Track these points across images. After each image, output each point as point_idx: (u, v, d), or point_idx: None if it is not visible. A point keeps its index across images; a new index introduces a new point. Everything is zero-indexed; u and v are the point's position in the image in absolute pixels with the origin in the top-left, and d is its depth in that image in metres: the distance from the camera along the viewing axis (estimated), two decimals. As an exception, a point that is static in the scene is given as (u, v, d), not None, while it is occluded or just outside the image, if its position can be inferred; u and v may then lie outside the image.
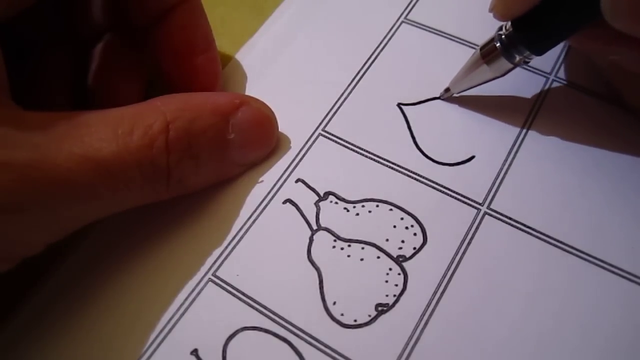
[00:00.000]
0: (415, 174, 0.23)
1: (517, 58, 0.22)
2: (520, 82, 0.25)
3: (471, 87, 0.24)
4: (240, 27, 0.29)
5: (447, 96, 0.25)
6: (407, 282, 0.21)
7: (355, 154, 0.24)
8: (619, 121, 0.24)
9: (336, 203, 0.23)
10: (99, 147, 0.19)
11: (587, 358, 0.20)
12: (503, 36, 0.22)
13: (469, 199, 0.23)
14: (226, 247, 0.22)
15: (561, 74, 0.25)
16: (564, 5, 0.21)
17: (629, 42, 0.20)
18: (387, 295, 0.21)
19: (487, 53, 0.23)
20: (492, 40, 0.23)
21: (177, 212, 0.23)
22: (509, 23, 0.22)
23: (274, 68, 0.27)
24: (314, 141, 0.24)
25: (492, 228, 0.22)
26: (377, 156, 0.24)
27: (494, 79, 0.23)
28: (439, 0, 0.28)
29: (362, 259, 0.22)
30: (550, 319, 0.20)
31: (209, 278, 0.22)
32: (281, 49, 0.27)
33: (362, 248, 0.22)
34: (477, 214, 0.22)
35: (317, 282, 0.21)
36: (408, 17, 0.28)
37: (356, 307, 0.21)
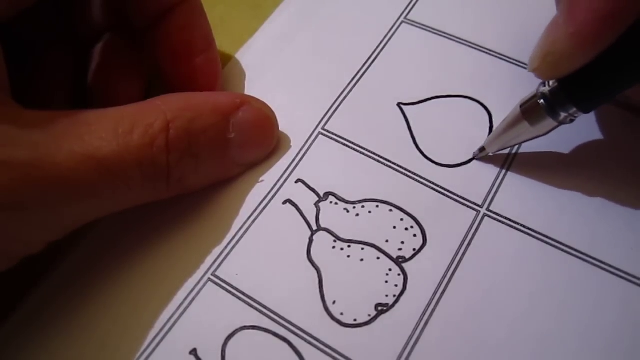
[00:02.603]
0: (415, 174, 0.23)
1: (563, 116, 0.20)
2: (518, 83, 0.25)
3: (509, 147, 0.23)
4: (240, 27, 0.29)
5: (482, 156, 0.23)
6: (407, 282, 0.21)
7: (356, 153, 0.24)
8: (618, 122, 0.24)
9: (336, 204, 0.23)
10: (99, 145, 0.19)
11: (587, 359, 0.20)
12: (547, 92, 0.21)
13: (468, 200, 0.23)
14: (226, 247, 0.22)
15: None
16: (618, 64, 0.19)
17: None
18: (387, 296, 0.21)
19: (529, 110, 0.21)
20: (533, 96, 0.21)
21: (177, 212, 0.23)
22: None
23: (274, 68, 0.27)
24: (314, 140, 0.24)
25: (492, 229, 0.22)
26: (377, 156, 0.24)
27: (535, 137, 0.22)
28: (439, 0, 0.28)
29: (362, 260, 0.22)
30: (549, 320, 0.20)
31: (209, 277, 0.22)
32: (281, 49, 0.27)
33: (362, 249, 0.22)
34: (477, 216, 0.22)
35: (317, 281, 0.21)
36: (408, 17, 0.28)
37: (356, 307, 0.21)
